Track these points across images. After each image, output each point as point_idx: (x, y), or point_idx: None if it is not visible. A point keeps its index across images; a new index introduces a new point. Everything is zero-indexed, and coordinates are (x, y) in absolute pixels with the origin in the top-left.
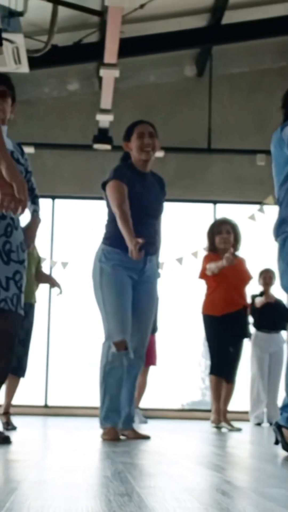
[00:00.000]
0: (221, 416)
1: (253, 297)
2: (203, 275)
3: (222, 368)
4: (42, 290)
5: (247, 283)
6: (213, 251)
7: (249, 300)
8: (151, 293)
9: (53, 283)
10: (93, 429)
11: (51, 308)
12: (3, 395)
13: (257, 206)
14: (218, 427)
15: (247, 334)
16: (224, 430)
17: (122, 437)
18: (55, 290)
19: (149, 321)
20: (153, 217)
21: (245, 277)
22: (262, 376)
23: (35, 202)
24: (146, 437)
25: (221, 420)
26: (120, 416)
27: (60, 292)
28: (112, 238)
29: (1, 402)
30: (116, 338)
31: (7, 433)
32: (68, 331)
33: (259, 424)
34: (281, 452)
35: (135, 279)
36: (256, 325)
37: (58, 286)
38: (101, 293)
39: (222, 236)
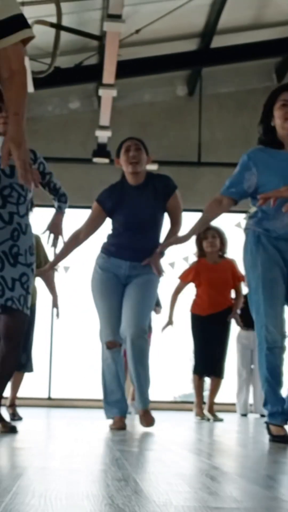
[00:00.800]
0: (203, 409)
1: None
2: (183, 276)
3: (204, 367)
4: (45, 288)
5: (232, 285)
6: (202, 256)
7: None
8: (140, 282)
9: (55, 301)
10: (93, 419)
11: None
12: (8, 388)
13: (243, 215)
14: (202, 419)
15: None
16: (207, 420)
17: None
18: (54, 310)
19: (142, 306)
20: (143, 227)
21: (229, 280)
22: (245, 371)
23: (60, 200)
24: (152, 421)
25: (203, 413)
26: (123, 406)
27: (57, 315)
28: (104, 244)
29: (5, 395)
30: (106, 339)
31: (13, 423)
32: (70, 328)
33: (244, 414)
34: (264, 440)
35: (123, 281)
36: (244, 323)
37: (57, 307)
38: (93, 297)
39: (208, 241)
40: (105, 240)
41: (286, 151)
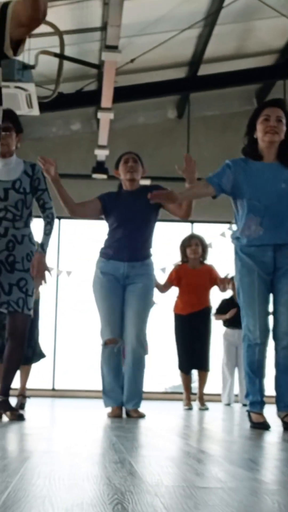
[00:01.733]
0: (190, 400)
1: (223, 300)
2: (168, 278)
3: (189, 364)
4: (49, 286)
5: (210, 287)
6: (185, 261)
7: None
8: (137, 292)
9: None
10: (94, 408)
11: (58, 304)
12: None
13: (227, 225)
14: (189, 408)
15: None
16: (194, 408)
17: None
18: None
19: (139, 317)
20: (136, 227)
21: (207, 283)
22: (230, 365)
23: (46, 219)
24: (143, 415)
25: (191, 404)
26: (119, 397)
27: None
28: (102, 249)
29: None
30: (106, 337)
31: (20, 412)
32: (73, 325)
33: (228, 404)
34: (247, 427)
35: (121, 282)
36: (225, 323)
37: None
38: (94, 298)
39: (192, 248)
40: (102, 245)
41: (264, 162)
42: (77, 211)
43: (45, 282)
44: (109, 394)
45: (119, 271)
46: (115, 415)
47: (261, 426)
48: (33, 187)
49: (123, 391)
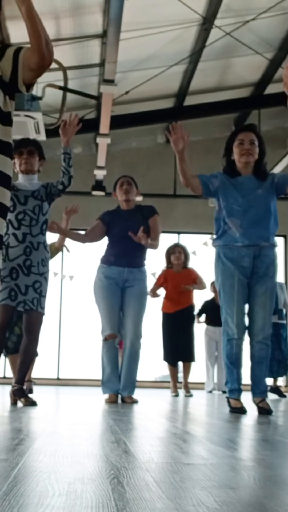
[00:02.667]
0: (177, 388)
1: (206, 302)
2: (157, 281)
3: (175, 357)
4: (54, 285)
5: (191, 284)
6: (170, 267)
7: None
8: (135, 294)
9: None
10: (94, 395)
11: (62, 304)
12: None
13: (209, 236)
14: (176, 395)
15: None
16: (180, 395)
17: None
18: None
19: (137, 315)
20: (131, 239)
21: (189, 284)
22: (211, 357)
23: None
24: (136, 401)
25: (177, 391)
26: (116, 386)
27: (68, 250)
28: (102, 256)
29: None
30: (106, 333)
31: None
32: (76, 322)
33: (210, 391)
34: (226, 411)
35: (120, 285)
36: (206, 321)
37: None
38: (95, 299)
39: (176, 255)
40: (103, 254)
41: (242, 176)
42: (87, 240)
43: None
44: (107, 383)
45: (119, 276)
46: (111, 401)
47: (238, 411)
48: (48, 194)
49: (120, 381)
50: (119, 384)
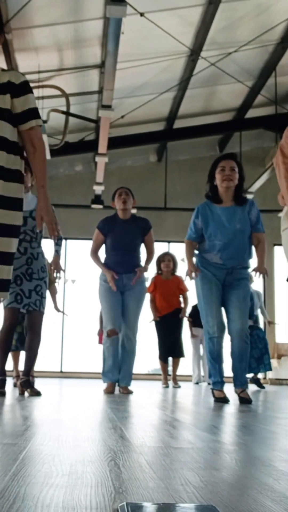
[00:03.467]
0: (168, 380)
1: (194, 306)
2: (149, 290)
3: (166, 354)
4: (58, 287)
5: (178, 294)
6: (160, 274)
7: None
8: (133, 296)
9: (55, 306)
10: (94, 386)
11: (65, 304)
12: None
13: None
14: (166, 387)
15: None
16: (170, 387)
17: (117, 391)
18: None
19: (134, 315)
20: (129, 249)
21: (176, 290)
22: (197, 354)
23: (57, 244)
24: (131, 392)
25: (167, 383)
26: (115, 376)
27: (66, 314)
28: (104, 263)
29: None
30: (108, 328)
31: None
32: (77, 320)
33: (197, 383)
34: (211, 401)
35: (120, 289)
36: (193, 323)
37: (57, 309)
38: (100, 300)
39: (165, 263)
40: (103, 261)
41: (224, 206)
42: (98, 252)
43: (60, 277)
44: (107, 373)
45: (118, 281)
46: (109, 391)
47: (222, 400)
48: None
49: (119, 372)
50: (118, 375)
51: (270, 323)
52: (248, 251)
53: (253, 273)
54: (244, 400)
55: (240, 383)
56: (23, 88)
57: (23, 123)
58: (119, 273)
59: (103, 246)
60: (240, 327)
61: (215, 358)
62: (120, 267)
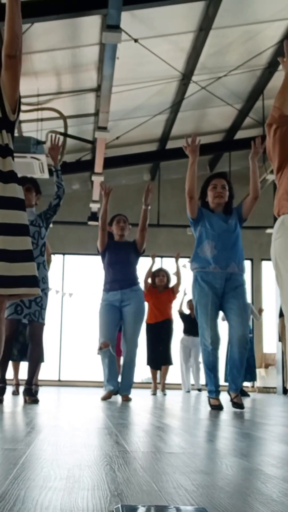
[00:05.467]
0: (157, 388)
1: (183, 314)
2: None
3: (155, 362)
4: (56, 300)
5: (170, 305)
6: (154, 286)
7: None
8: (131, 311)
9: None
10: (90, 394)
11: (63, 317)
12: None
13: (187, 259)
14: (154, 394)
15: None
16: (158, 394)
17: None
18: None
19: (133, 330)
20: (125, 263)
21: (168, 302)
22: (185, 362)
23: (58, 176)
24: (130, 399)
25: (156, 391)
26: (113, 384)
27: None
28: (103, 285)
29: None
30: (101, 341)
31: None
32: (75, 331)
33: (188, 391)
34: (201, 408)
35: (118, 306)
36: (183, 331)
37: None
38: (99, 318)
39: (160, 278)
40: (103, 282)
41: (215, 213)
42: (104, 228)
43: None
44: (107, 383)
45: (115, 298)
46: (105, 398)
47: (217, 408)
48: (44, 219)
49: (117, 381)
50: (117, 383)
51: (261, 310)
52: (241, 250)
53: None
54: (237, 405)
55: (235, 387)
56: None
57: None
58: (115, 290)
59: (101, 265)
60: (241, 333)
61: (210, 369)
62: (117, 283)
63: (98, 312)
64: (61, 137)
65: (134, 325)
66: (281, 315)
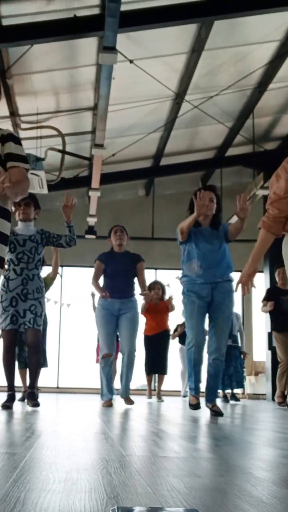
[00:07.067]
0: (152, 394)
1: (178, 324)
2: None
3: (151, 369)
4: (54, 310)
5: (167, 316)
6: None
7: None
8: (129, 318)
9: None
10: (87, 400)
11: (61, 326)
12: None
13: (179, 271)
14: (149, 398)
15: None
16: (153, 400)
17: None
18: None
19: (131, 334)
20: (121, 276)
21: (164, 314)
22: (185, 370)
23: (70, 231)
24: (132, 402)
25: (151, 395)
26: (110, 394)
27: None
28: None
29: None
30: (104, 352)
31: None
32: (72, 341)
33: (185, 396)
34: (195, 415)
35: (116, 314)
36: (180, 341)
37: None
38: (96, 325)
39: (155, 291)
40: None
41: (202, 227)
42: (99, 279)
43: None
44: (105, 394)
45: (114, 307)
46: (107, 405)
47: (194, 407)
48: (44, 239)
49: (113, 390)
50: (113, 393)
51: (245, 355)
52: (227, 264)
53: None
54: (216, 413)
55: (212, 398)
56: (9, 137)
57: (6, 163)
58: (115, 299)
59: (102, 276)
60: (216, 346)
61: (192, 367)
62: (116, 293)
63: (95, 317)
64: (76, 200)
65: (132, 330)
66: (275, 329)
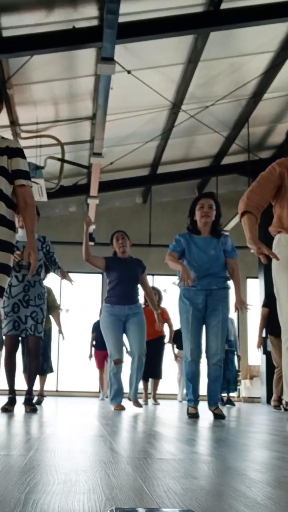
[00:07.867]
0: (148, 398)
1: (176, 330)
2: None
3: (147, 374)
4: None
5: (163, 323)
6: (147, 305)
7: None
8: (136, 322)
9: (60, 330)
10: (86, 404)
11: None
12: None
13: (176, 277)
14: (146, 403)
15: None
16: (149, 404)
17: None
18: (60, 336)
19: (141, 337)
20: (129, 282)
21: (161, 320)
22: (182, 374)
23: (59, 267)
24: (141, 405)
25: (147, 400)
26: (121, 398)
27: (63, 338)
28: (106, 297)
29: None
30: (114, 357)
31: (37, 406)
32: (72, 344)
33: (181, 401)
34: (187, 417)
35: (123, 320)
36: (177, 346)
37: (61, 333)
38: (103, 332)
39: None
40: (106, 295)
41: (202, 236)
42: (90, 258)
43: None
44: (116, 398)
45: (121, 312)
46: (120, 409)
47: (193, 416)
48: (44, 248)
49: (122, 394)
50: (123, 396)
51: (239, 358)
52: (223, 274)
53: (234, 308)
54: (218, 416)
55: (214, 402)
56: (17, 152)
57: (15, 180)
58: (122, 305)
59: (107, 282)
60: (215, 351)
61: (190, 379)
62: (123, 299)
63: (101, 324)
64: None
65: (141, 331)
66: (271, 333)
